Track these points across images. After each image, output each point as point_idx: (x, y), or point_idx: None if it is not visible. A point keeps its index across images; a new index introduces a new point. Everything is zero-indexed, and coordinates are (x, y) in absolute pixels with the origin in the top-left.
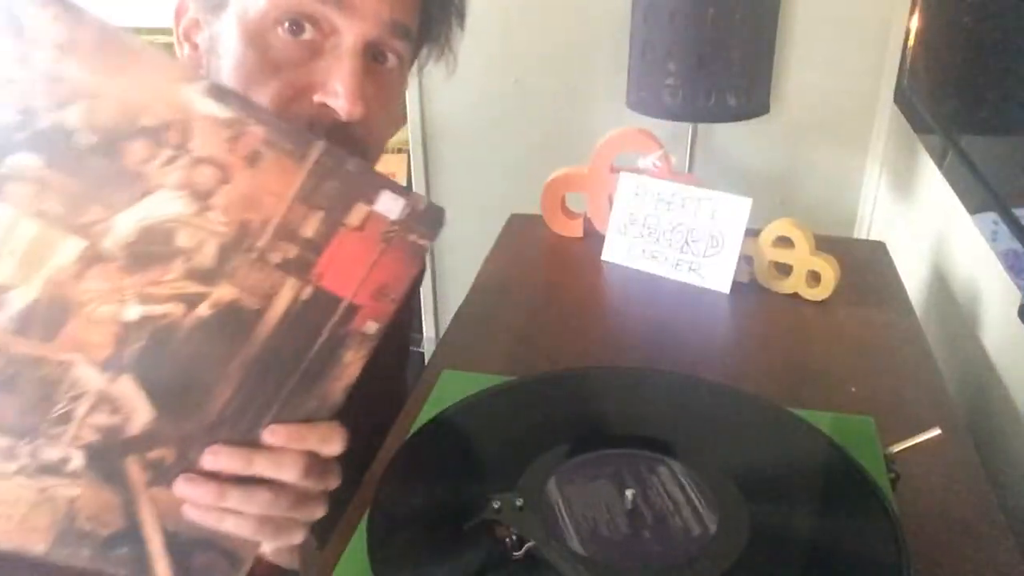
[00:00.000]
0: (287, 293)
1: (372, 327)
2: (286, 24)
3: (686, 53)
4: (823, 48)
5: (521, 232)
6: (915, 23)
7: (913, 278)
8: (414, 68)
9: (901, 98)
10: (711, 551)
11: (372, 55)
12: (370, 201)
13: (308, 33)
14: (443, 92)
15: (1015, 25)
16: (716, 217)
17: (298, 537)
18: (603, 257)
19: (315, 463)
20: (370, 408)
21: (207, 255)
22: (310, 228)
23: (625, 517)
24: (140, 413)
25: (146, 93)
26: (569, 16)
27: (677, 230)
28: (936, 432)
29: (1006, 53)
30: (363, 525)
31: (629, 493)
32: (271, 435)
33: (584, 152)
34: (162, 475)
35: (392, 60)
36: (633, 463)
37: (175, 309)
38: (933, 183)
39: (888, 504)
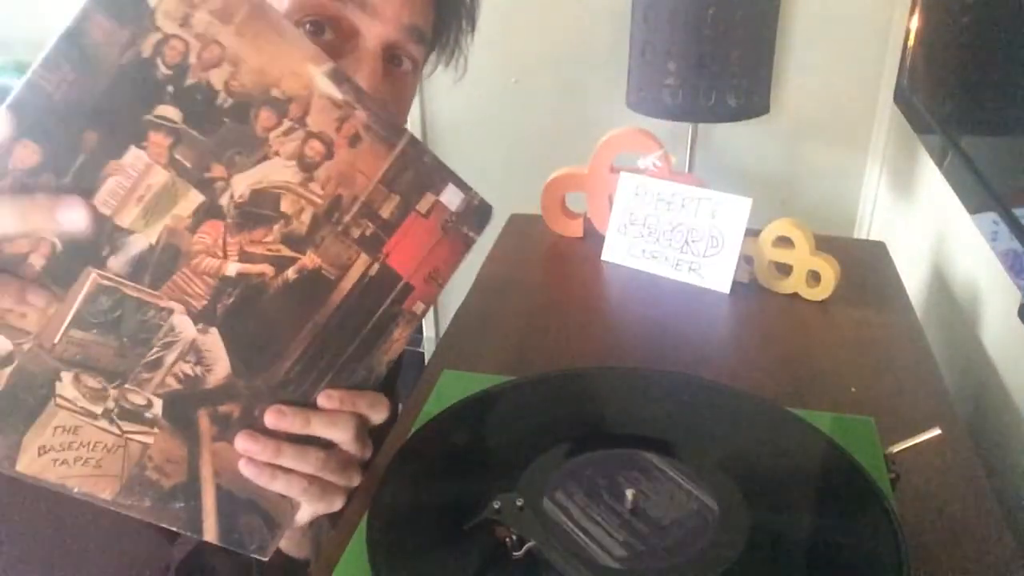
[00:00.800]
0: (359, 267)
1: (420, 307)
2: (307, 25)
3: (686, 53)
4: (823, 48)
5: (521, 232)
6: (915, 23)
7: (913, 278)
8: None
9: (901, 98)
10: (711, 551)
11: (388, 58)
12: (438, 191)
13: (328, 34)
14: (443, 92)
15: (1015, 25)
16: (716, 217)
17: (339, 503)
18: (603, 257)
19: (361, 428)
20: None
21: (303, 223)
22: (387, 210)
23: (625, 517)
24: (220, 366)
25: (280, 67)
26: (569, 16)
27: (677, 230)
28: (936, 432)
29: (1006, 53)
30: (363, 525)
31: (629, 493)
32: (326, 399)
33: (584, 152)
34: (227, 430)
35: (407, 64)
36: (633, 463)
37: (267, 270)
38: (933, 183)
39: (888, 504)
